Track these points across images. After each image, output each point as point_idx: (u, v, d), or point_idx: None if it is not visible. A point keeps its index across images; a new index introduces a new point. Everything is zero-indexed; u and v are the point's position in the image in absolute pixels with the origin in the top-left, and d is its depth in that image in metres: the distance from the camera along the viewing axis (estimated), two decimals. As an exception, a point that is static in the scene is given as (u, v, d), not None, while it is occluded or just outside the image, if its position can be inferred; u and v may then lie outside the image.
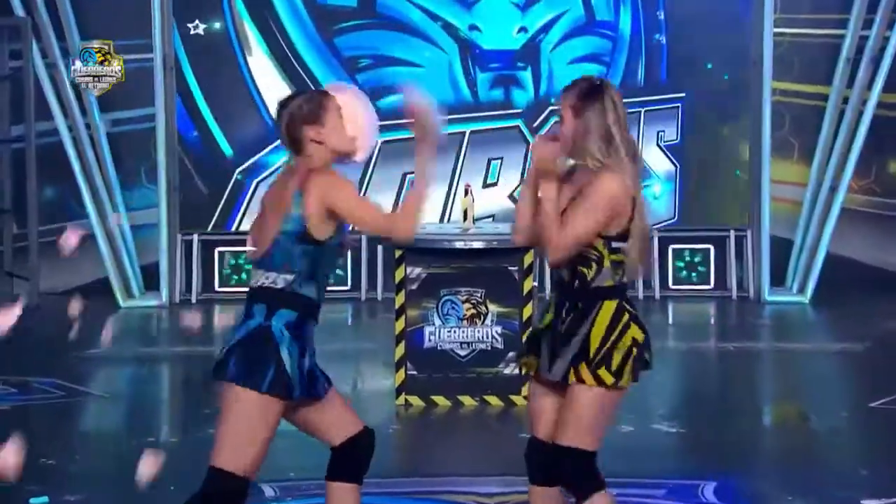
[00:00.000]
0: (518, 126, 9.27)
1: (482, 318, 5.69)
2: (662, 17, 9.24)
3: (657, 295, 9.22)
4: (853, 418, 5.54)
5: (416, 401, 5.71)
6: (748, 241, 9.17)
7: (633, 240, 3.18)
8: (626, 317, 3.16)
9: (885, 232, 9.49)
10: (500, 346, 5.69)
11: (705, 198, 9.22)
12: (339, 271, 9.21)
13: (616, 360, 3.13)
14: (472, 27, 9.27)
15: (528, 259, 5.70)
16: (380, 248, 8.72)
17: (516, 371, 5.66)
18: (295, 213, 3.08)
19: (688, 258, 9.32)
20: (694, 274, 9.30)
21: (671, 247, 9.26)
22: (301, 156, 3.14)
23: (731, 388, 6.46)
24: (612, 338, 3.14)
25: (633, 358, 3.14)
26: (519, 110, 9.26)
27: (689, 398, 6.24)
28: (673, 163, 9.23)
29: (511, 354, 5.68)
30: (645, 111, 9.25)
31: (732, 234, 9.19)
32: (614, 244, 3.17)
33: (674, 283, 9.27)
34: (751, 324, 8.34)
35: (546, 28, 9.27)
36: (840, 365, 6.99)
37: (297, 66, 9.22)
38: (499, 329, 5.69)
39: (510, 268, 5.68)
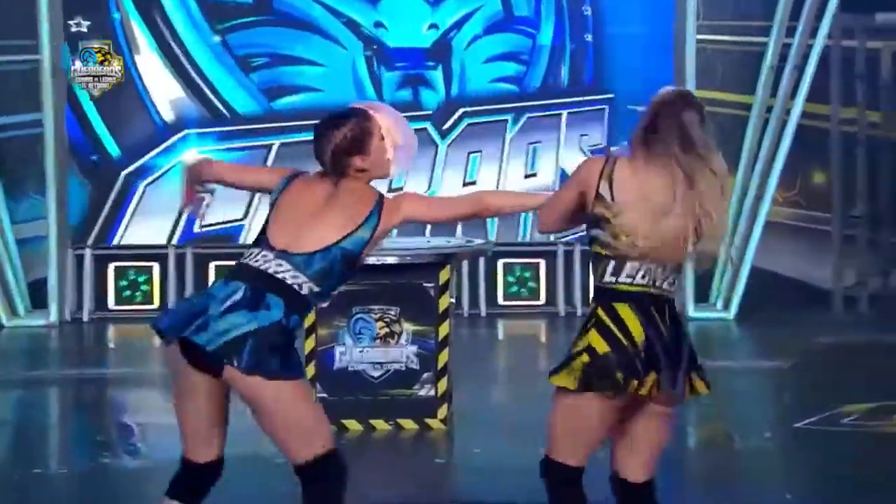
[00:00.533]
0: (426, 129, 9.29)
1: (396, 337, 5.70)
2: (589, 13, 9.35)
3: (579, 311, 9.35)
4: (778, 439, 5.69)
5: (324, 424, 5.69)
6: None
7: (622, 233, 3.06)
8: (591, 321, 3.10)
9: (811, 245, 9.77)
10: (415, 366, 5.69)
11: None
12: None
13: (569, 363, 3.10)
14: (378, 24, 9.28)
15: (444, 275, 5.73)
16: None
17: (432, 393, 5.69)
18: (364, 235, 3.21)
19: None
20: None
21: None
22: (343, 178, 3.26)
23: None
24: (574, 342, 3.15)
25: (581, 363, 3.07)
26: (428, 112, 9.25)
27: (612, 419, 6.33)
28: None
29: (426, 375, 5.71)
30: (568, 113, 9.35)
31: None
32: (592, 231, 3.15)
33: (596, 299, 9.41)
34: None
35: (459, 24, 9.31)
36: (765, 383, 7.18)
37: (187, 64, 9.14)
38: (414, 349, 5.69)
39: (426, 284, 5.70)
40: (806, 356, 7.58)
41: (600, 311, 3.10)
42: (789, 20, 9.13)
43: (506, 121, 9.42)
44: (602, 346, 3.07)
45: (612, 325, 3.08)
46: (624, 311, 3.09)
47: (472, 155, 9.28)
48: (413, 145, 3.36)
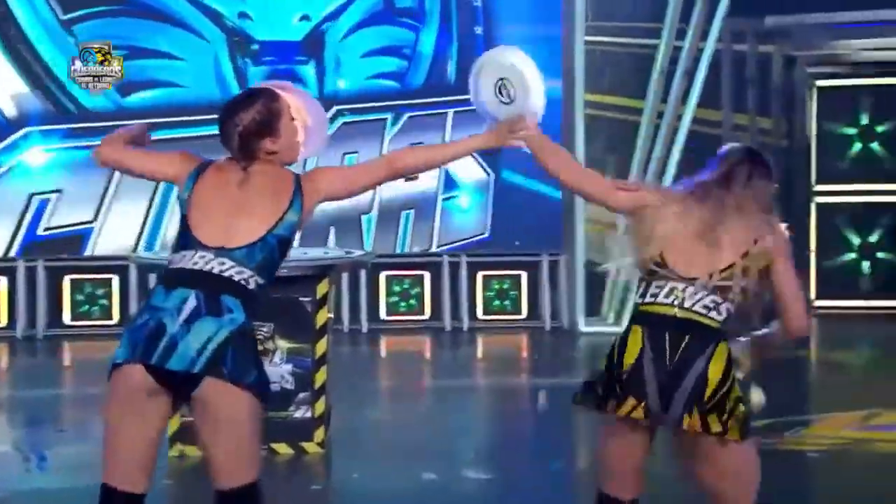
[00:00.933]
0: None
1: (270, 355, 5.62)
2: (479, 3, 9.38)
3: (465, 326, 9.40)
4: (671, 459, 5.80)
5: (192, 451, 5.58)
6: (562, 267, 9.49)
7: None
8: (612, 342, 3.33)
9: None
10: (290, 386, 5.64)
11: (520, 214, 9.42)
12: (105, 302, 8.96)
13: None
14: (243, 15, 9.18)
15: (322, 289, 5.69)
16: (151, 276, 8.54)
17: (308, 414, 5.65)
18: (293, 218, 3.23)
19: (498, 285, 9.55)
20: (505, 303, 9.54)
21: (480, 273, 9.48)
22: (254, 162, 3.26)
23: (546, 427, 6.67)
24: None
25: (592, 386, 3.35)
26: None
27: (500, 440, 6.38)
28: (487, 172, 9.40)
29: (302, 396, 5.67)
30: (454, 112, 9.38)
31: (546, 259, 9.49)
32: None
33: (483, 313, 9.49)
34: (565, 357, 8.63)
35: (334, 16, 9.27)
36: (657, 399, 7.31)
37: (28, 56, 8.91)
38: (289, 368, 5.64)
39: (302, 298, 5.65)
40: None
41: (621, 334, 3.34)
42: (679, 23, 9.33)
43: (385, 120, 9.41)
44: (602, 365, 3.35)
45: (616, 347, 3.31)
46: (634, 333, 3.29)
47: (347, 156, 9.25)
48: (324, 126, 3.40)
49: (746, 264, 3.26)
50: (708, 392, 3.24)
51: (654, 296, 3.27)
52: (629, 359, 3.26)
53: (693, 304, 3.24)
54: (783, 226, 3.39)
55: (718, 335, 3.27)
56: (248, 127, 3.23)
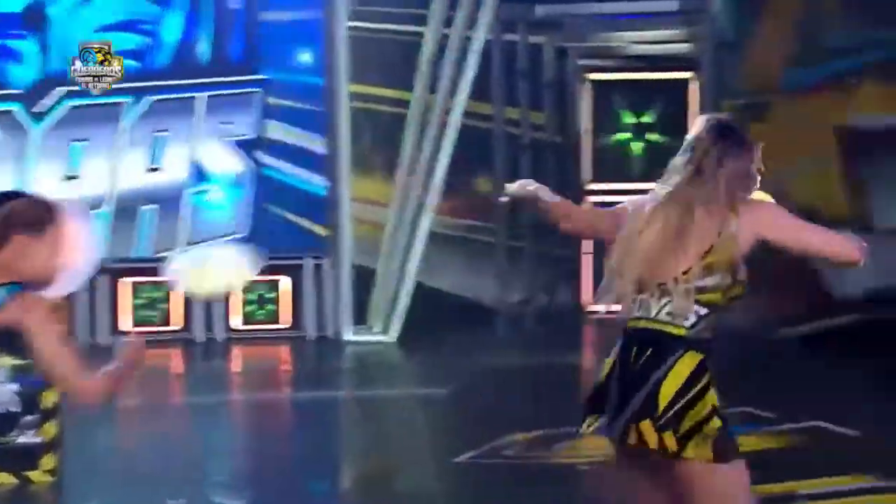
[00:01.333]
0: (13, 112, 8.79)
1: (-9, 373, 5.51)
2: None
3: (220, 337, 9.22)
4: (439, 476, 5.86)
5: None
6: (326, 271, 9.42)
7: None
8: None
9: (476, 258, 10.17)
10: (15, 408, 5.53)
11: (282, 211, 9.31)
12: None
13: None
14: None
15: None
16: None
17: (36, 439, 5.50)
18: None
19: (257, 292, 9.39)
20: (266, 309, 9.40)
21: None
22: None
23: (305, 445, 6.64)
24: None
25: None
26: (17, 91, 8.79)
27: (257, 461, 6.32)
28: (245, 163, 9.23)
29: (29, 419, 5.48)
30: (209, 96, 9.18)
31: (309, 262, 9.41)
32: None
33: (241, 323, 9.33)
34: (329, 369, 8.60)
35: (60, -16, 8.93)
36: (425, 413, 7.39)
37: None
38: (14, 387, 5.53)
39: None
40: (468, 381, 7.88)
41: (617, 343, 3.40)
42: (448, 9, 9.38)
43: (122, 104, 9.10)
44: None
45: (613, 354, 3.37)
46: (614, 350, 3.36)
47: (75, 144, 8.90)
48: (84, 271, 3.28)
49: (710, 260, 3.30)
50: (662, 405, 3.23)
51: (630, 310, 3.36)
52: (601, 376, 3.35)
53: (657, 313, 3.31)
54: (760, 194, 3.41)
55: (684, 343, 3.29)
56: (13, 213, 3.16)
